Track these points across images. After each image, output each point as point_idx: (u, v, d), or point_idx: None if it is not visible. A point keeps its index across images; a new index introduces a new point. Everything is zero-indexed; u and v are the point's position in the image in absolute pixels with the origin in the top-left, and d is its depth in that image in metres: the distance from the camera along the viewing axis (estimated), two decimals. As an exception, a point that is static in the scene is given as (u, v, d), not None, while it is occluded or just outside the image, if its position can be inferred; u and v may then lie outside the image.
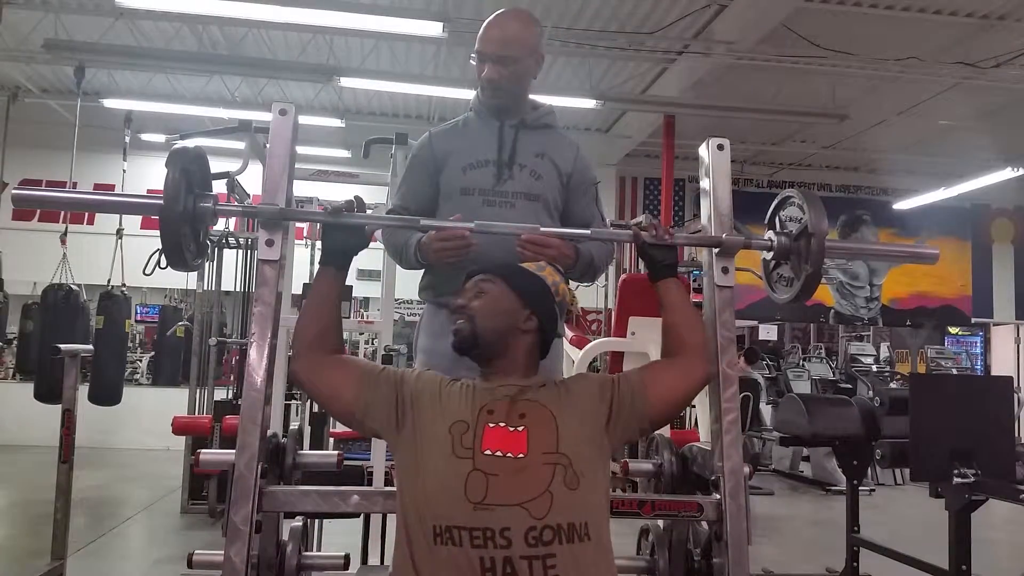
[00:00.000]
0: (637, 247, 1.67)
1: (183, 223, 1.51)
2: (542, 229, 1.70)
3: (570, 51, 6.87)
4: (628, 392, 1.53)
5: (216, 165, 1.81)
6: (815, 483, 7.39)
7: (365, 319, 5.74)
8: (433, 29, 5.41)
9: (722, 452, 1.58)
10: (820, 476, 7.33)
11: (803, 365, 10.32)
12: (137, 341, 10.44)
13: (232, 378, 6.95)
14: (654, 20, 6.43)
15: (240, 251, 5.94)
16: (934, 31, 6.48)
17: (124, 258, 6.04)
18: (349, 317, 4.92)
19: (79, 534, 4.35)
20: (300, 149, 1.79)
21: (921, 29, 6.42)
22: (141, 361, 9.68)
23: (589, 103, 6.99)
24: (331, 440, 4.56)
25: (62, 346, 3.31)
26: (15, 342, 7.73)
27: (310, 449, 3.30)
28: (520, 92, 1.99)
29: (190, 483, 5.30)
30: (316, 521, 2.92)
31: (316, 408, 5.50)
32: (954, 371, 10.80)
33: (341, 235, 1.58)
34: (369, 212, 1.63)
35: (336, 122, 7.95)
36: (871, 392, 8.35)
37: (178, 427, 4.69)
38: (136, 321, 9.90)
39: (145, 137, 7.98)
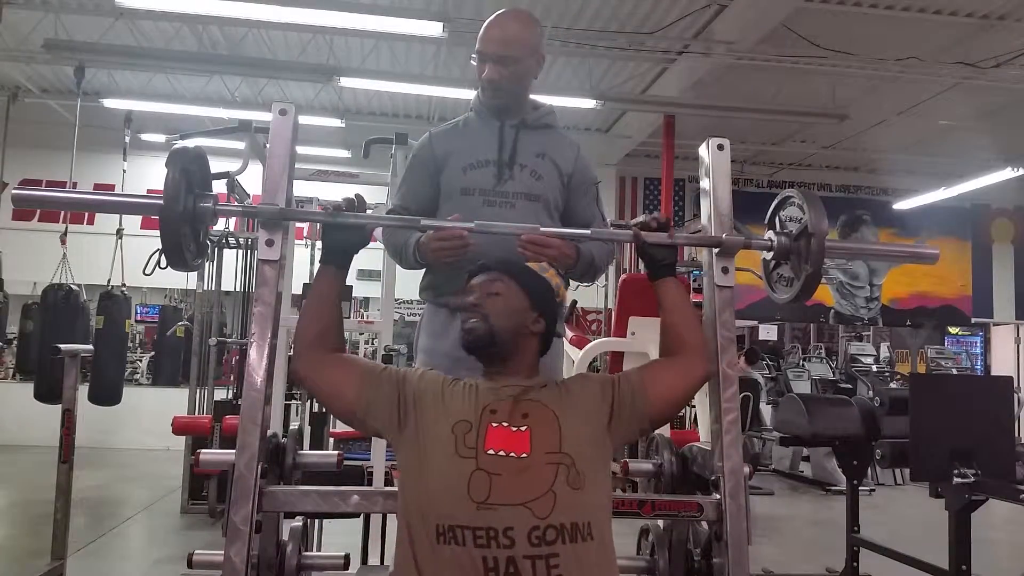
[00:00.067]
0: (636, 246, 1.67)
1: (183, 223, 1.51)
2: (542, 229, 1.70)
3: (570, 51, 6.86)
4: (629, 392, 1.53)
5: (216, 165, 1.81)
6: (815, 483, 7.39)
7: (365, 319, 5.73)
8: (433, 29, 5.41)
9: (722, 452, 1.58)
10: (820, 476, 7.33)
11: (803, 365, 10.31)
12: (137, 341, 10.44)
13: (232, 378, 6.95)
14: (654, 20, 6.43)
15: (240, 251, 5.94)
16: (934, 31, 6.48)
17: (124, 258, 6.04)
18: (349, 317, 4.91)
19: (79, 534, 4.35)
20: (300, 149, 1.79)
21: (921, 29, 6.42)
22: (141, 361, 9.68)
23: (589, 103, 6.99)
24: (331, 440, 4.56)
25: (62, 346, 3.31)
26: (15, 342, 7.73)
27: (310, 449, 3.31)
28: (521, 92, 1.99)
29: (190, 483, 5.30)
30: (316, 521, 2.92)
31: (316, 408, 5.51)
32: (954, 371, 10.80)
33: (341, 234, 1.58)
34: (369, 212, 1.63)
35: (336, 122, 7.95)
36: (871, 392, 8.35)
37: (178, 427, 4.69)
38: (136, 321, 9.91)
39: (145, 137, 7.98)
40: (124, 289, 6.18)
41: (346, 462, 2.01)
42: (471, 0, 6.09)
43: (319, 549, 2.90)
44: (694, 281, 7.64)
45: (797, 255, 1.73)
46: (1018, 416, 7.82)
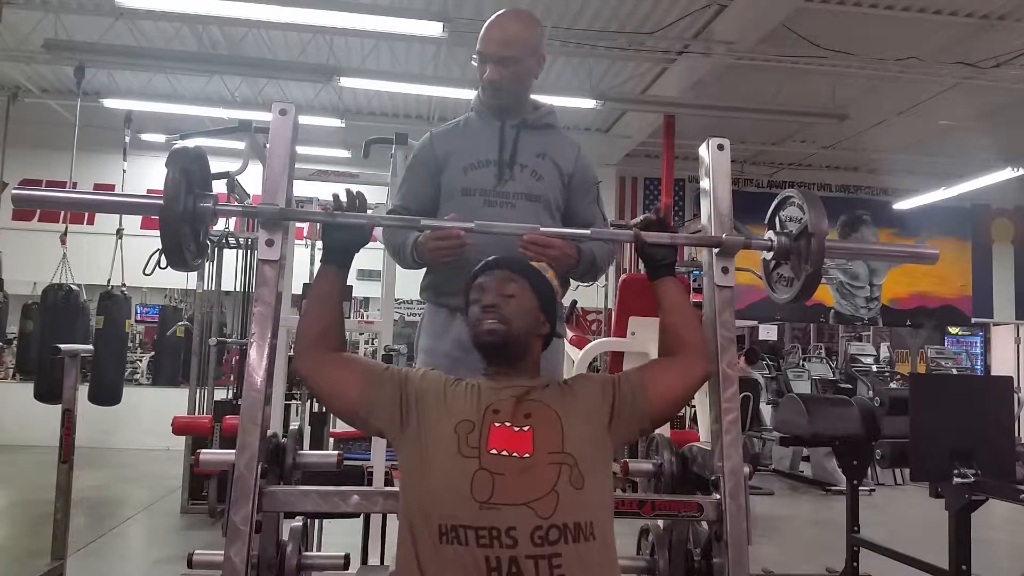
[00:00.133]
0: (636, 246, 1.67)
1: (183, 223, 1.51)
2: (542, 229, 1.70)
3: (570, 51, 6.86)
4: (629, 392, 1.53)
5: (216, 165, 1.81)
6: (815, 483, 7.39)
7: (365, 319, 5.73)
8: (433, 29, 5.41)
9: (722, 452, 1.58)
10: (820, 476, 7.33)
11: (803, 365, 10.32)
12: (137, 341, 10.44)
13: (232, 378, 6.95)
14: (654, 20, 6.43)
15: (240, 251, 5.94)
16: (934, 31, 6.48)
17: (124, 258, 6.04)
18: (349, 317, 4.91)
19: (79, 534, 4.35)
20: (300, 149, 1.79)
21: (921, 29, 6.41)
22: (141, 361, 9.68)
23: (589, 103, 6.99)
24: (331, 440, 4.56)
25: (62, 346, 3.31)
26: (15, 342, 7.73)
27: (310, 449, 3.31)
28: (522, 92, 1.99)
29: (190, 483, 5.30)
30: (316, 521, 2.92)
31: (316, 408, 5.51)
32: (954, 371, 10.80)
33: (341, 233, 1.58)
34: (370, 212, 1.63)
35: (336, 122, 7.95)
36: (871, 392, 8.35)
37: (178, 427, 4.69)
38: (136, 321, 9.91)
39: (145, 137, 7.98)
40: (124, 289, 6.18)
41: (346, 462, 2.01)
42: (471, 0, 6.09)
43: (319, 549, 2.90)
44: (694, 281, 7.63)
45: (797, 255, 1.73)
46: (1018, 416, 7.82)
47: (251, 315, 1.58)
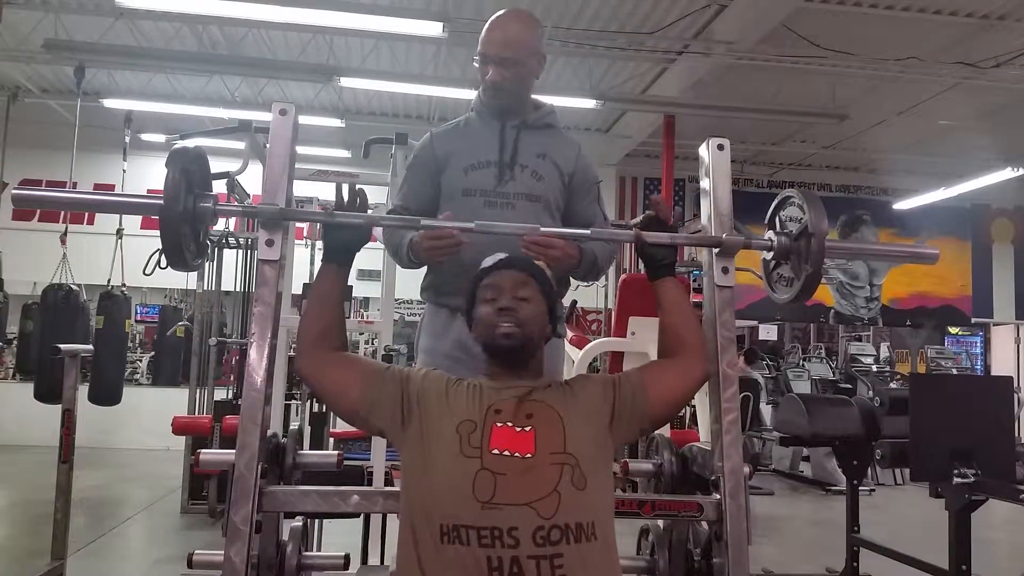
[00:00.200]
0: (636, 246, 1.67)
1: (183, 223, 1.51)
2: (542, 229, 1.70)
3: (570, 51, 6.86)
4: (629, 392, 1.53)
5: (216, 165, 1.81)
6: (815, 483, 7.39)
7: (365, 319, 5.73)
8: (433, 29, 5.42)
9: (722, 452, 1.58)
10: (820, 476, 7.33)
11: (803, 365, 10.32)
12: (137, 341, 10.44)
13: (232, 378, 6.95)
14: (654, 20, 6.43)
15: (240, 251, 5.94)
16: (934, 31, 6.48)
17: (124, 258, 6.04)
18: (349, 317, 4.90)
19: (79, 534, 4.35)
20: (300, 149, 1.79)
21: (921, 29, 6.42)
22: (141, 361, 9.68)
23: (589, 103, 6.99)
24: (331, 440, 4.56)
25: (62, 346, 3.31)
26: (15, 342, 7.73)
27: (310, 449, 3.30)
28: (523, 93, 1.99)
29: (190, 483, 5.30)
30: (316, 521, 2.92)
31: (316, 408, 5.51)
32: (954, 371, 10.80)
33: (342, 233, 1.58)
34: (370, 211, 1.63)
35: (336, 122, 7.95)
36: (871, 392, 8.35)
37: (178, 427, 4.69)
38: (136, 321, 9.91)
39: (145, 137, 7.98)
40: (124, 289, 6.19)
41: (346, 462, 2.01)
42: (471, 0, 6.09)
43: (319, 549, 2.90)
44: (694, 281, 7.63)
45: (797, 255, 1.73)
46: (1018, 416, 7.82)
47: (251, 315, 1.58)
